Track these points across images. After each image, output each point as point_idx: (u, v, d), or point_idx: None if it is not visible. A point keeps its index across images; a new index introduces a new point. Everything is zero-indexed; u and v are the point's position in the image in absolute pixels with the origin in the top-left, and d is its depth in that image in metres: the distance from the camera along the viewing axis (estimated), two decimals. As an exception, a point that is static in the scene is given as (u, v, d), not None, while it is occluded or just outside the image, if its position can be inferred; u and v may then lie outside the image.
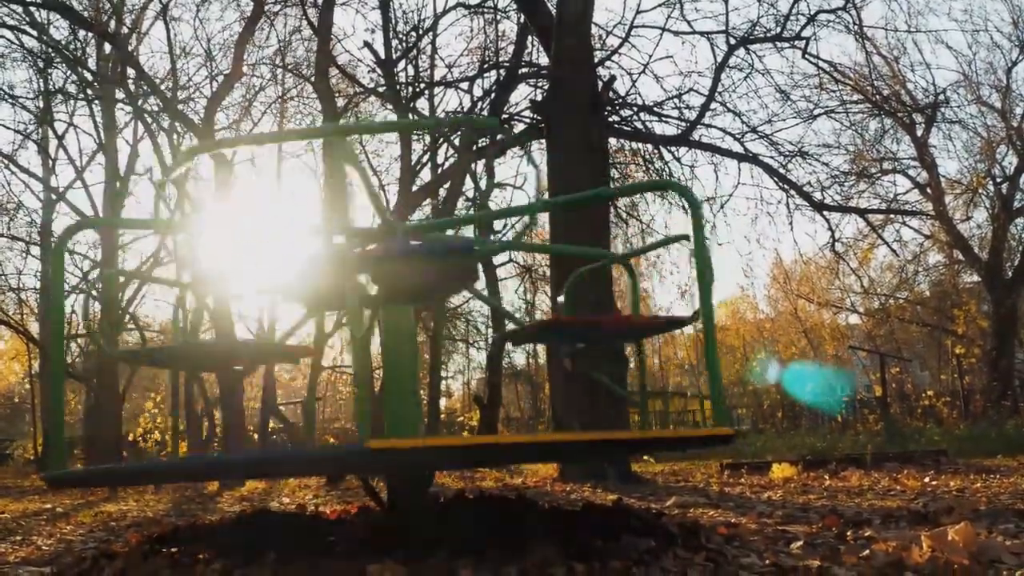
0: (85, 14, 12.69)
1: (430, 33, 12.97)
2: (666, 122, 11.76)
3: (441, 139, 12.39)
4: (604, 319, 2.97)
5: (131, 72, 12.69)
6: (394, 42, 12.20)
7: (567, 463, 6.62)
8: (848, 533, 2.52)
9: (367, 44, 11.55)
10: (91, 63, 14.71)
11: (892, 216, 15.81)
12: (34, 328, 17.25)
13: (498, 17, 12.56)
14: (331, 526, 2.70)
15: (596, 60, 10.02)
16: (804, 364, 22.58)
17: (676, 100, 11.84)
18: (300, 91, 15.00)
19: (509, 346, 20.95)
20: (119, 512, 4.88)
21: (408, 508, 2.54)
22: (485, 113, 11.49)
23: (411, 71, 13.07)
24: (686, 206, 2.36)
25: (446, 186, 11.12)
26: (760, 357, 25.71)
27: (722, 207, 12.29)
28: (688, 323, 2.62)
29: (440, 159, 12.55)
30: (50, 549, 3.04)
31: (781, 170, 12.16)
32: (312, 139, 11.08)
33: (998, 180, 16.88)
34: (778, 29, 11.67)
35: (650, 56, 14.03)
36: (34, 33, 13.21)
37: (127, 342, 19.57)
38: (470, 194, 11.85)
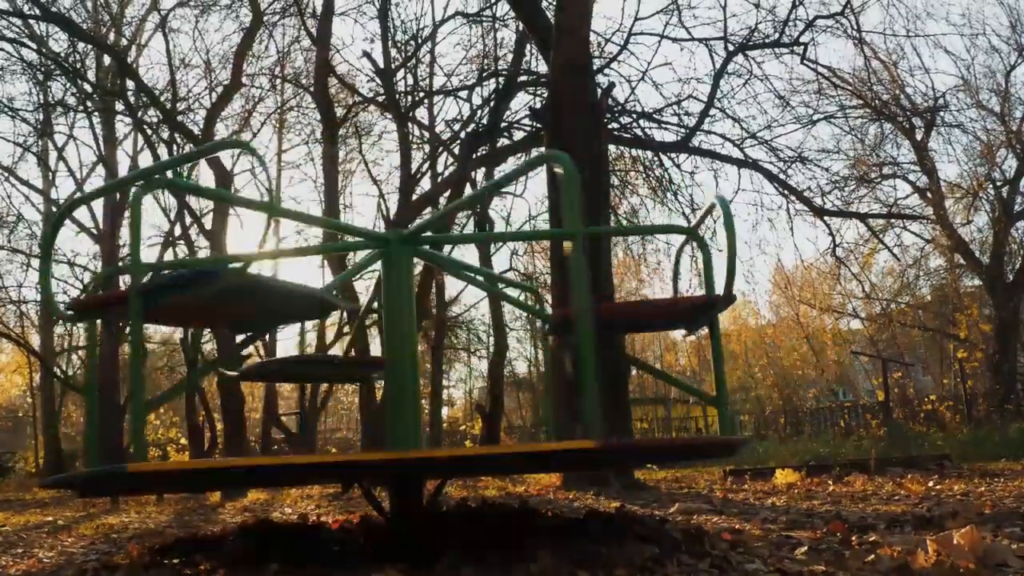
0: (85, 26, 12.74)
1: (429, 42, 13.02)
2: (666, 129, 11.77)
3: (441, 148, 12.41)
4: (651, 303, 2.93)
5: (130, 84, 12.72)
6: (393, 51, 12.25)
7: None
8: (853, 538, 2.51)
9: (366, 54, 11.57)
10: (91, 75, 14.72)
11: (893, 221, 15.83)
12: (35, 341, 17.23)
13: (496, 26, 12.58)
14: (333, 536, 2.69)
15: (595, 67, 10.03)
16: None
17: (675, 107, 11.85)
18: (299, 101, 15.05)
19: (510, 355, 20.93)
20: (120, 524, 4.86)
21: (410, 517, 2.53)
22: (485, 120, 11.50)
23: (410, 80, 13.12)
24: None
25: (446, 195, 11.13)
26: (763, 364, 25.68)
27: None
28: (722, 308, 2.62)
29: (440, 168, 12.58)
30: (51, 561, 3.03)
31: (781, 176, 12.17)
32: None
33: (998, 184, 16.87)
34: (776, 35, 11.68)
35: (649, 63, 14.16)
36: (33, 46, 13.22)
37: (126, 351, 19.57)
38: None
